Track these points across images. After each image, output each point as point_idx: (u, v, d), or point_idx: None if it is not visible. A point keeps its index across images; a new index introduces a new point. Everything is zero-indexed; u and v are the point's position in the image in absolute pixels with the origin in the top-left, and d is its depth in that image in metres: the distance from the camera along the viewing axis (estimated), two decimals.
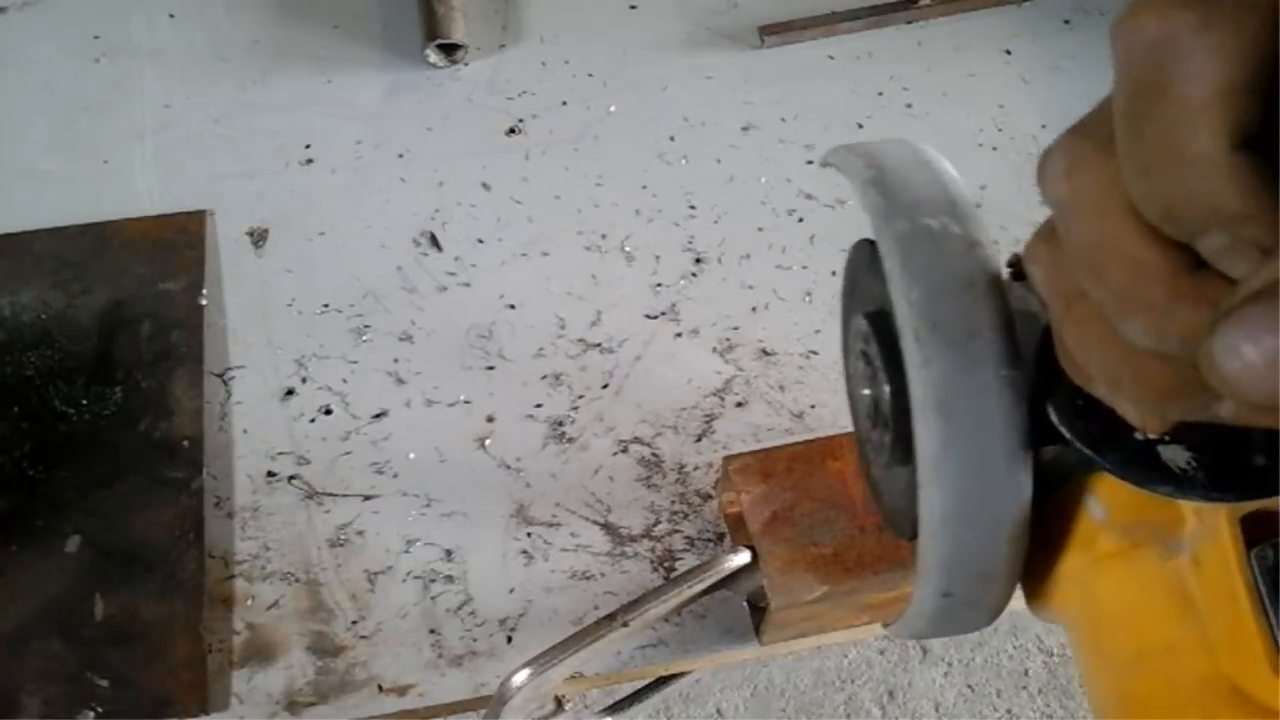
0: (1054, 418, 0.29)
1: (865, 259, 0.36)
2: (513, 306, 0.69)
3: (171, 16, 0.82)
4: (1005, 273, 0.31)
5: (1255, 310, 0.18)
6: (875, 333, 0.33)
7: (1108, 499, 0.31)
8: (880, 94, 0.79)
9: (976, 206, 0.32)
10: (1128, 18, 0.21)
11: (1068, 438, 0.29)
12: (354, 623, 0.58)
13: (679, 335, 0.68)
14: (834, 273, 0.71)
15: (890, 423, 0.33)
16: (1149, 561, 0.29)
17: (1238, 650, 0.26)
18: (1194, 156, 0.20)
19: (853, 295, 0.38)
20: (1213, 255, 0.21)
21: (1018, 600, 0.61)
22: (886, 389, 0.33)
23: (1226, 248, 0.20)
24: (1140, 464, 0.28)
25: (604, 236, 0.72)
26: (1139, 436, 0.28)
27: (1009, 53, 0.82)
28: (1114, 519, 0.31)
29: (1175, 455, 0.28)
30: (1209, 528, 0.28)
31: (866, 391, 0.35)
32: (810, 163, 0.76)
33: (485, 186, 0.74)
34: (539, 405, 0.65)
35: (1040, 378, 0.29)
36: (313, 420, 0.64)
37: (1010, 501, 0.29)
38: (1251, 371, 0.18)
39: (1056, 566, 0.33)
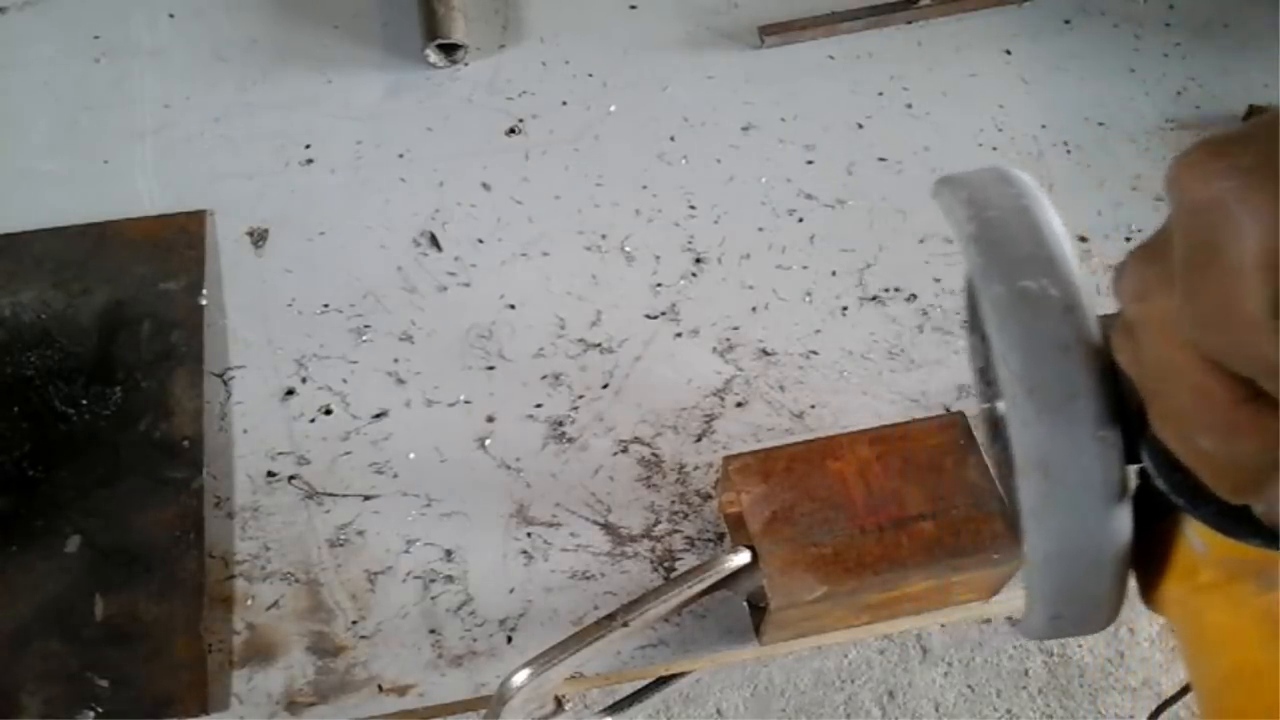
0: (1149, 467, 0.30)
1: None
2: (513, 306, 0.69)
3: (171, 16, 0.82)
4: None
5: None
6: (986, 352, 0.34)
7: (1205, 535, 0.32)
8: (880, 94, 0.79)
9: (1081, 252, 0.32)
10: (1180, 172, 0.22)
11: (1164, 490, 0.30)
12: (354, 623, 0.58)
13: (679, 335, 0.68)
14: (834, 273, 0.71)
15: (1003, 439, 0.35)
16: (1245, 594, 0.31)
17: None
18: (1241, 319, 0.21)
19: (972, 311, 0.39)
20: (1269, 389, 0.22)
21: (1018, 600, 0.61)
22: (996, 406, 0.35)
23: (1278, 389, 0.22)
24: (1232, 518, 0.29)
25: (604, 236, 0.72)
26: None
27: (1009, 53, 0.82)
28: (1213, 554, 0.32)
29: None
30: None
31: (985, 405, 0.37)
32: (810, 163, 0.76)
33: (485, 186, 0.74)
34: (539, 405, 0.65)
35: (1138, 431, 0.30)
36: (313, 420, 0.64)
37: (1108, 545, 0.31)
38: None
39: (1160, 586, 0.34)
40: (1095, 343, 0.30)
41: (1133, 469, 0.31)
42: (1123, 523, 0.30)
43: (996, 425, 0.36)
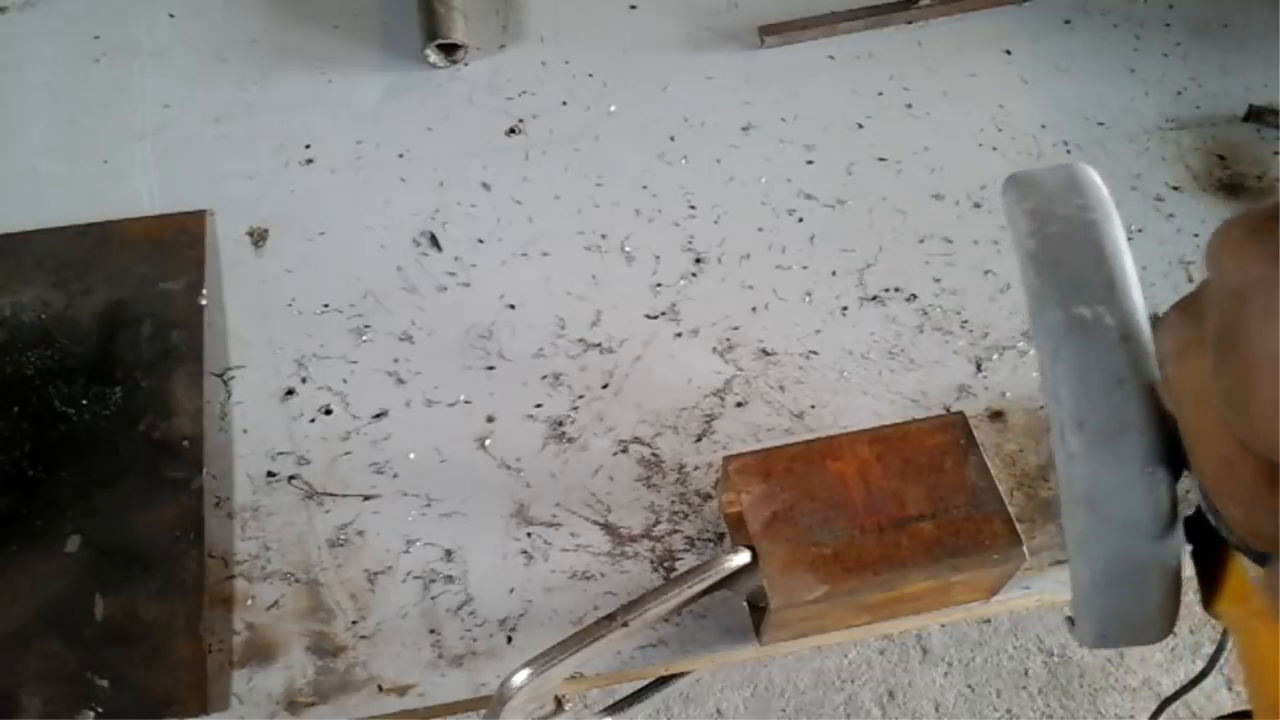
0: (1203, 508, 0.30)
1: None
2: (513, 306, 0.69)
3: (171, 16, 0.82)
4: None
5: None
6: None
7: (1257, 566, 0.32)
8: (880, 94, 0.79)
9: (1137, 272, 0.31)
10: (1219, 249, 0.23)
11: (1213, 526, 0.29)
12: (354, 623, 0.58)
13: (679, 335, 0.68)
14: (834, 273, 0.71)
15: None
16: None
17: None
18: (1258, 405, 0.23)
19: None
20: None
21: (1018, 600, 0.61)
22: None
23: None
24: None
25: (604, 236, 0.72)
26: None
27: (1009, 53, 0.82)
28: (1265, 583, 0.32)
29: None
30: None
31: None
32: (810, 163, 0.76)
33: (485, 186, 0.74)
34: (539, 405, 0.65)
35: (1183, 468, 0.30)
36: (313, 420, 0.64)
37: (1152, 576, 0.30)
38: None
39: (1217, 604, 0.34)
40: (1149, 375, 0.29)
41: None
42: (1170, 552, 0.30)
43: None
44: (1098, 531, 0.30)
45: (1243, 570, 0.32)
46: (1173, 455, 0.29)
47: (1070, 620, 0.38)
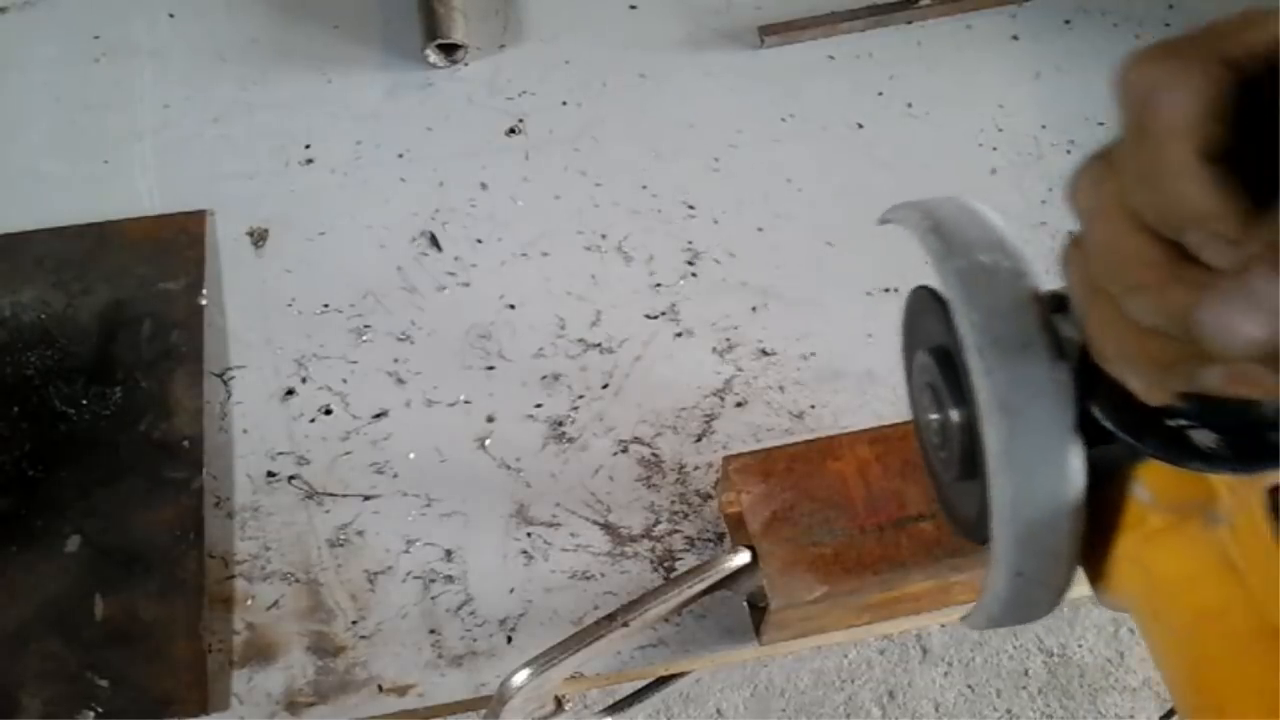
0: (1098, 414, 0.34)
1: (922, 303, 0.41)
2: (512, 306, 0.69)
3: (171, 16, 0.82)
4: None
5: (1229, 284, 0.24)
6: (938, 366, 0.39)
7: (1151, 483, 0.35)
8: (880, 94, 0.79)
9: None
10: (1122, 72, 0.27)
11: (1111, 428, 0.33)
12: (354, 623, 0.58)
13: (679, 335, 0.68)
14: (834, 272, 0.71)
15: (956, 441, 0.38)
16: (1194, 533, 0.34)
17: (1278, 602, 0.30)
18: (1172, 170, 0.26)
19: (913, 335, 0.43)
20: (1195, 248, 0.26)
21: None
22: (952, 413, 0.38)
23: (1203, 243, 0.26)
24: (1174, 446, 0.32)
25: (603, 236, 0.72)
26: (1170, 424, 0.32)
27: (1009, 53, 0.82)
28: (1159, 500, 0.35)
29: (1203, 438, 0.32)
30: (1241, 499, 0.32)
31: (934, 416, 0.40)
32: (810, 162, 0.76)
33: (485, 186, 0.74)
34: (539, 405, 0.65)
35: (1084, 387, 0.34)
36: (313, 420, 0.64)
37: (1068, 481, 0.34)
38: (1226, 330, 0.24)
39: (1114, 549, 0.37)
40: (1044, 303, 0.35)
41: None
42: (1078, 461, 0.34)
43: (946, 429, 0.39)
44: (1017, 432, 0.34)
45: (1135, 499, 0.36)
46: (1075, 373, 0.34)
47: (962, 618, 0.41)
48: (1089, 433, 0.34)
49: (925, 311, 0.41)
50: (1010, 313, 0.34)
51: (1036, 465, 0.34)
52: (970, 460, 0.37)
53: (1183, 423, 0.32)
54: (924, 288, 0.41)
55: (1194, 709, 0.34)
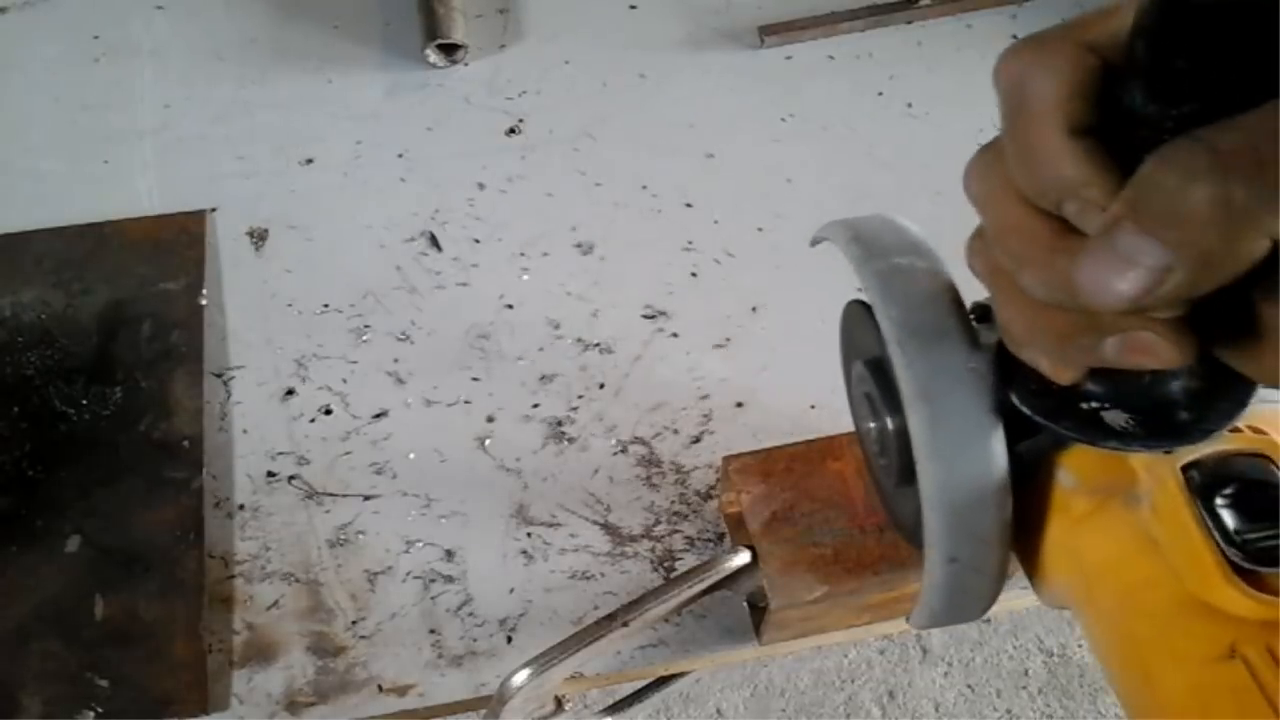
0: (1017, 402, 0.35)
1: (856, 317, 0.43)
2: (511, 306, 0.69)
3: (159, 8, 0.82)
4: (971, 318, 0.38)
5: (1097, 244, 0.26)
6: (872, 376, 0.40)
7: (1074, 468, 0.37)
8: (880, 94, 0.79)
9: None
10: (998, 64, 0.30)
11: (1029, 414, 0.35)
12: (354, 623, 0.58)
13: (678, 335, 0.68)
14: (834, 272, 0.70)
15: (894, 448, 0.40)
16: (1116, 514, 0.35)
17: (1196, 572, 0.32)
18: (1044, 146, 0.28)
19: (850, 347, 0.45)
20: (1074, 219, 0.28)
21: (1018, 600, 0.61)
22: (887, 420, 0.40)
23: (1079, 211, 0.28)
24: (1089, 426, 0.34)
25: (603, 236, 0.72)
26: (1084, 406, 0.34)
27: None
28: (1082, 484, 0.36)
29: (1116, 418, 0.33)
30: (1158, 477, 0.33)
31: (872, 425, 0.42)
32: (810, 162, 0.76)
33: (484, 186, 0.74)
34: (538, 405, 0.65)
35: (1003, 377, 0.36)
36: (313, 420, 0.64)
37: (991, 463, 0.36)
38: (1100, 288, 0.26)
39: (1045, 538, 0.38)
40: (958, 296, 0.37)
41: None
42: (999, 446, 0.36)
43: (884, 436, 0.41)
44: (937, 419, 0.35)
45: (1060, 487, 0.37)
46: (994, 365, 0.36)
47: (907, 618, 0.43)
48: (1013, 427, 0.36)
49: (859, 325, 0.43)
50: (926, 305, 0.37)
51: (960, 449, 0.35)
52: (909, 466, 0.38)
53: (1095, 405, 0.34)
54: (857, 301, 0.42)
55: (1125, 685, 0.35)
